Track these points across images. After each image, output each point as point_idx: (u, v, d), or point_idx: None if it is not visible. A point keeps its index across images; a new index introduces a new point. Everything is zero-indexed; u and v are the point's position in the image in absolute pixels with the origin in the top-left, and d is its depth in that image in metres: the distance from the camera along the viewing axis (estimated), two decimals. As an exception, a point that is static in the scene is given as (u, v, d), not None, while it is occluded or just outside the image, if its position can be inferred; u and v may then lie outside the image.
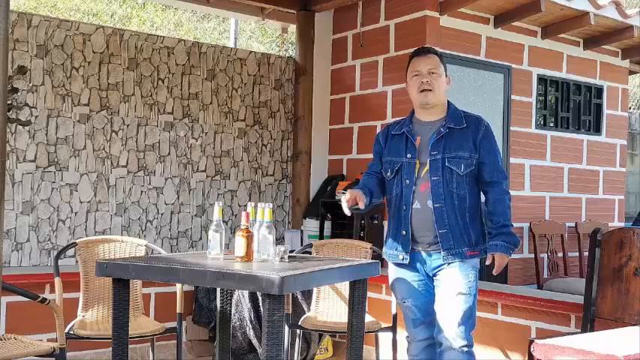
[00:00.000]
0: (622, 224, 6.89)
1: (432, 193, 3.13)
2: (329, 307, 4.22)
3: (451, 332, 3.10)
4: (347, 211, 3.19)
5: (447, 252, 3.13)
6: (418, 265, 3.22)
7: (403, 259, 3.21)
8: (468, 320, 3.13)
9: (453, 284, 3.13)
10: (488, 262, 3.13)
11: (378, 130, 5.49)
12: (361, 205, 3.17)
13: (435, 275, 3.20)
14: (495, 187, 3.17)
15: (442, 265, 3.16)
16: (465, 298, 3.12)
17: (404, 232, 3.19)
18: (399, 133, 3.29)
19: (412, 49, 5.13)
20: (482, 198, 3.26)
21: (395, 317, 3.92)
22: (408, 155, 3.21)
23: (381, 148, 3.37)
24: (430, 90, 3.19)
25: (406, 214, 3.18)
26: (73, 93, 4.79)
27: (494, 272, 3.14)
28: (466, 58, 5.58)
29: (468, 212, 3.16)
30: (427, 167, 3.16)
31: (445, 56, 5.29)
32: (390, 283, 3.37)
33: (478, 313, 4.24)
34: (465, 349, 3.10)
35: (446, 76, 3.28)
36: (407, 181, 3.19)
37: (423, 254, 3.20)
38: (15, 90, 3.28)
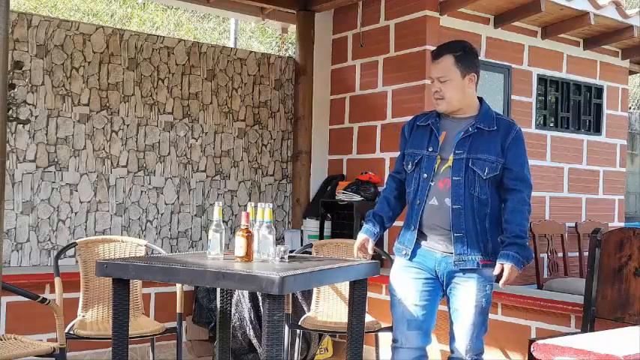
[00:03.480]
0: (622, 224, 6.89)
1: (451, 192, 3.00)
2: (329, 307, 4.22)
3: (464, 344, 3.05)
4: (361, 256, 3.20)
5: (459, 257, 3.01)
6: (427, 263, 3.08)
7: (406, 254, 3.10)
8: (481, 331, 3.07)
9: (470, 297, 3.02)
10: (496, 272, 2.97)
11: (378, 130, 5.50)
12: (370, 252, 3.17)
13: (449, 283, 3.08)
14: (516, 195, 3.02)
15: (456, 272, 3.04)
16: (480, 310, 3.04)
17: (412, 227, 3.09)
18: (425, 124, 3.16)
19: (412, 49, 5.22)
20: None
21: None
22: (430, 149, 3.08)
23: (405, 141, 3.24)
24: (441, 99, 3.09)
25: (418, 210, 3.05)
26: (73, 93, 4.79)
27: (501, 284, 2.97)
28: (466, 58, 5.57)
29: (488, 218, 3.03)
30: (448, 164, 3.03)
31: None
32: (390, 278, 3.23)
33: (478, 313, 4.26)
34: (475, 357, 3.06)
35: (468, 73, 3.07)
36: (425, 175, 3.06)
37: (437, 255, 3.06)
38: (12, 86, 3.27)
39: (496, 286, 3.03)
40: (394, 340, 3.16)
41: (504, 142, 3.04)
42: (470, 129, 3.05)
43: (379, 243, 4.05)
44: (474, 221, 3.00)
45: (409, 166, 3.15)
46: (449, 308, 3.12)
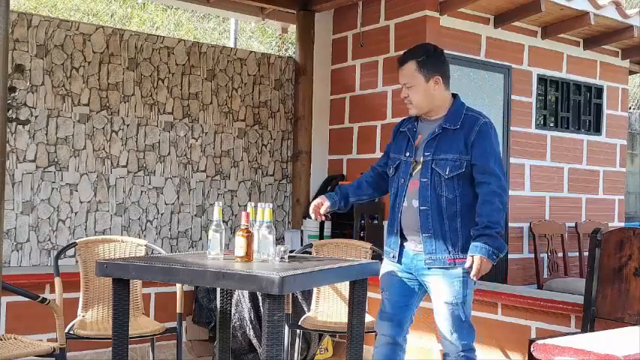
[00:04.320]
0: (622, 224, 6.89)
1: (419, 194, 3.08)
2: (329, 307, 4.22)
3: (446, 340, 3.13)
4: (313, 217, 3.30)
5: (428, 256, 3.09)
6: (405, 261, 3.20)
7: (393, 257, 3.22)
8: (461, 327, 3.09)
9: (440, 294, 3.10)
10: (466, 265, 2.99)
11: (378, 130, 5.50)
12: (322, 211, 3.26)
13: (423, 281, 3.18)
14: (484, 188, 3.02)
15: (426, 271, 3.12)
16: (451, 307, 3.08)
17: (395, 231, 3.21)
18: (404, 130, 3.28)
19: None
20: None
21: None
22: (407, 154, 3.19)
23: (393, 139, 3.37)
24: (410, 103, 3.20)
25: (397, 213, 3.18)
26: (73, 93, 4.79)
27: (472, 276, 2.99)
28: (466, 58, 5.58)
29: (459, 216, 3.06)
30: (419, 166, 3.13)
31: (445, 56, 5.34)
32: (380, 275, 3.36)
33: (478, 313, 4.26)
34: (462, 354, 3.09)
35: (432, 76, 3.13)
36: (402, 180, 3.18)
37: (411, 254, 3.17)
38: (13, 89, 3.28)
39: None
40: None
41: (468, 138, 3.07)
42: (436, 130, 3.14)
43: (379, 243, 4.05)
44: (441, 221, 3.05)
45: (391, 171, 3.27)
46: (409, 301, 3.26)
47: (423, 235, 3.08)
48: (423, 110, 3.19)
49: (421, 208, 3.07)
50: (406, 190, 3.14)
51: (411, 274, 3.20)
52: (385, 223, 4.44)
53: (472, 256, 2.97)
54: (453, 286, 3.07)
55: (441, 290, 3.09)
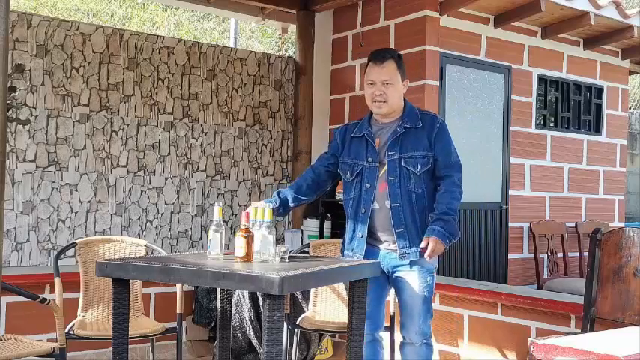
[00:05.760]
0: (622, 224, 6.89)
1: (389, 193, 3.20)
2: (327, 307, 4.22)
3: (413, 330, 3.26)
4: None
5: (403, 250, 3.21)
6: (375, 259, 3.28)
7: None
8: (427, 317, 3.28)
9: (414, 285, 3.22)
10: (422, 245, 3.13)
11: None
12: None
13: (394, 274, 3.28)
14: (447, 180, 3.21)
15: (400, 265, 3.24)
16: (423, 299, 3.24)
17: (360, 235, 3.27)
18: (359, 135, 3.33)
19: (412, 49, 5.22)
20: None
21: (393, 317, 3.92)
22: (369, 159, 3.26)
23: (338, 146, 3.40)
24: (384, 102, 3.24)
25: (364, 217, 3.24)
26: (73, 93, 4.79)
27: (426, 255, 3.12)
28: (466, 58, 5.58)
29: (427, 210, 3.22)
30: (384, 167, 3.23)
31: (445, 56, 5.36)
32: None
33: (478, 313, 4.28)
34: (424, 341, 3.28)
35: (404, 78, 3.29)
36: (367, 185, 3.24)
37: (382, 252, 3.27)
38: (13, 88, 3.27)
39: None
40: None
41: (430, 136, 3.23)
42: (398, 130, 3.24)
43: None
44: (413, 216, 3.20)
45: (348, 176, 3.33)
46: (398, 299, 3.34)
47: (397, 231, 3.20)
48: (392, 110, 3.27)
49: (393, 205, 3.19)
50: (375, 193, 3.23)
51: (382, 270, 3.28)
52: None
53: (428, 238, 3.13)
54: (427, 281, 3.25)
55: (415, 282, 3.22)
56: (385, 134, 3.28)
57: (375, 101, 3.27)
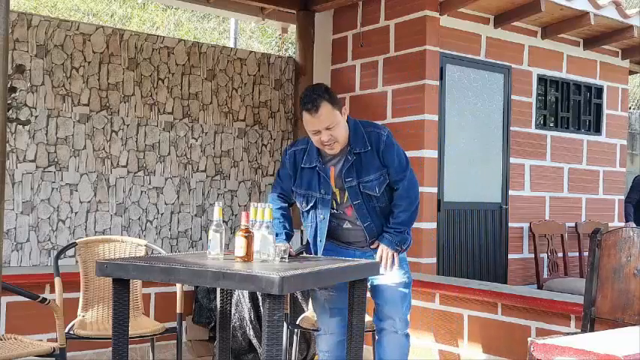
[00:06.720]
0: (622, 224, 6.89)
1: (358, 215, 3.30)
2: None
3: (395, 319, 3.33)
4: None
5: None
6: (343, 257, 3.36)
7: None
8: (409, 306, 3.39)
9: (393, 277, 3.32)
10: (373, 246, 3.32)
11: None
12: (293, 253, 3.29)
13: None
14: (400, 183, 3.31)
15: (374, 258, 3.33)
16: (403, 287, 3.35)
17: (320, 241, 3.37)
18: (310, 167, 3.33)
19: (412, 49, 5.22)
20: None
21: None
22: (322, 191, 3.30)
23: (289, 176, 3.40)
24: (334, 142, 3.22)
25: (321, 245, 3.35)
26: (73, 93, 4.79)
27: (377, 258, 3.27)
28: (466, 58, 5.58)
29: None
30: (346, 193, 3.29)
31: (445, 56, 5.36)
32: None
33: (478, 313, 4.27)
34: (406, 332, 3.37)
35: (340, 108, 3.22)
36: (322, 216, 3.33)
37: (358, 253, 3.37)
38: (13, 89, 3.27)
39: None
40: (319, 330, 3.48)
41: (379, 154, 3.28)
42: (349, 157, 3.27)
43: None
44: (383, 223, 3.33)
45: (304, 205, 3.38)
46: (376, 292, 3.38)
47: (371, 239, 3.34)
48: (343, 144, 3.25)
49: (365, 224, 3.31)
50: (342, 215, 3.33)
51: None
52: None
53: (378, 243, 3.33)
54: (403, 268, 3.37)
55: (394, 274, 3.32)
56: (338, 162, 3.30)
57: (326, 146, 3.23)
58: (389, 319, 3.34)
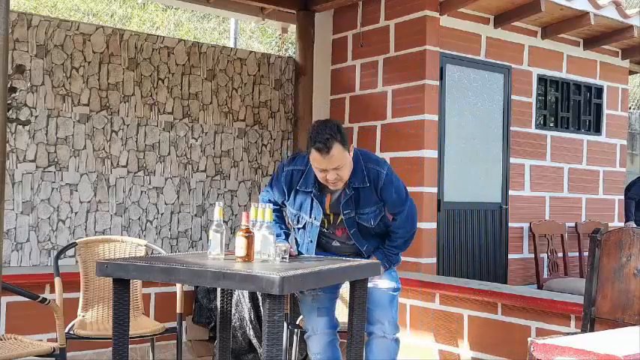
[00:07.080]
0: (622, 224, 6.89)
1: (354, 239, 3.38)
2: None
3: (384, 323, 3.36)
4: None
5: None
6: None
7: None
8: (397, 311, 3.46)
9: (383, 282, 3.40)
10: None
11: (378, 130, 5.49)
12: (294, 253, 3.35)
13: None
14: (399, 215, 3.40)
15: None
16: (394, 292, 3.43)
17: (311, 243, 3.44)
18: (306, 191, 3.33)
19: (412, 49, 5.22)
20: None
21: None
22: (313, 216, 3.35)
23: (284, 192, 3.40)
24: (339, 181, 3.23)
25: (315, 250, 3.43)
26: (73, 93, 4.79)
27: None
28: (466, 58, 5.58)
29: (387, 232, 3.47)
30: (341, 217, 3.34)
31: (445, 56, 5.36)
32: None
33: (478, 313, 4.27)
34: (396, 336, 3.41)
35: (349, 146, 3.20)
36: (309, 239, 3.39)
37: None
38: (13, 89, 3.27)
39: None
40: (306, 331, 3.52)
41: (377, 191, 3.32)
42: (348, 191, 3.29)
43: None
44: (379, 242, 3.45)
45: (295, 223, 3.44)
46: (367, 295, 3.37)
47: (367, 256, 3.43)
48: (346, 180, 3.27)
49: (363, 247, 3.39)
50: (332, 235, 3.41)
51: None
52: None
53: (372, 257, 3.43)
54: (390, 273, 3.45)
55: (385, 280, 3.40)
56: (335, 192, 3.32)
57: (331, 184, 3.24)
58: (378, 322, 3.37)
